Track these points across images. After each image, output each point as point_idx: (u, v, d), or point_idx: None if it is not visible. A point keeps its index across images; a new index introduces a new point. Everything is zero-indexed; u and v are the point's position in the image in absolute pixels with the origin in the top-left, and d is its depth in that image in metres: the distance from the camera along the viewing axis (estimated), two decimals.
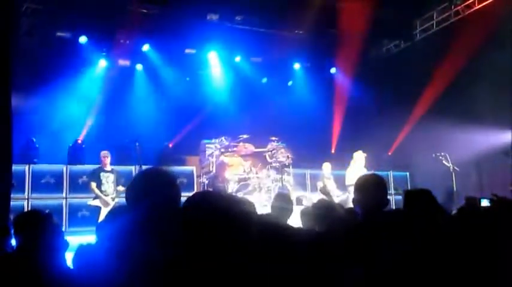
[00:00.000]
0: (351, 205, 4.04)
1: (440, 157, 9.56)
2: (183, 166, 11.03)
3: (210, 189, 9.09)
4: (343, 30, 11.19)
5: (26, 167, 9.12)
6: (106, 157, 8.73)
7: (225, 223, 1.51)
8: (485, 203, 5.18)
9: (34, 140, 10.16)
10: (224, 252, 1.48)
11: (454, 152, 9.67)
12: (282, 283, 1.88)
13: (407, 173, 12.39)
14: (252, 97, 12.90)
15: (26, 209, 8.29)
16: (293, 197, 7.60)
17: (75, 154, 10.31)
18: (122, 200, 7.88)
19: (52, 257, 2.94)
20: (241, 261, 1.49)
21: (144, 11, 10.60)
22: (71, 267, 2.64)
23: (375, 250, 2.51)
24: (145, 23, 10.64)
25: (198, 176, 10.68)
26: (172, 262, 1.53)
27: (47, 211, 3.44)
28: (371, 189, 3.16)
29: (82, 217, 9.21)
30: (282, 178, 10.00)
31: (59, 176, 9.44)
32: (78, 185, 9.45)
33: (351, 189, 8.10)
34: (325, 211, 3.76)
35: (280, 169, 10.25)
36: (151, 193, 2.00)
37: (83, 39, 10.97)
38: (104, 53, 11.51)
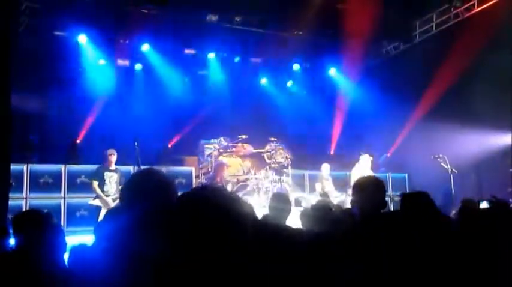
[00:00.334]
0: (349, 205, 4.04)
1: (439, 159, 9.54)
2: (181, 166, 10.99)
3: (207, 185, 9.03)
4: (343, 31, 11.18)
5: (24, 167, 9.07)
6: (112, 154, 8.38)
7: (224, 223, 1.50)
8: (484, 205, 5.17)
9: (32, 139, 10.14)
10: (223, 252, 1.48)
11: (453, 154, 9.66)
12: (281, 283, 1.88)
13: (406, 175, 12.39)
14: (251, 98, 12.91)
15: (24, 209, 8.25)
16: (292, 198, 7.59)
17: (74, 154, 10.28)
18: None
19: (52, 257, 2.93)
20: (241, 261, 1.49)
21: (144, 11, 10.59)
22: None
23: (373, 250, 2.51)
24: (145, 23, 10.62)
25: (197, 177, 10.65)
26: (169, 262, 1.52)
27: (45, 211, 3.44)
28: (369, 190, 3.16)
29: (80, 216, 9.16)
30: (280, 178, 9.98)
31: (57, 176, 9.39)
32: (76, 184, 9.41)
33: None
34: (323, 212, 3.79)
35: (279, 169, 10.23)
36: (148, 192, 2.00)
37: (82, 38, 10.98)
38: (104, 53, 11.49)
